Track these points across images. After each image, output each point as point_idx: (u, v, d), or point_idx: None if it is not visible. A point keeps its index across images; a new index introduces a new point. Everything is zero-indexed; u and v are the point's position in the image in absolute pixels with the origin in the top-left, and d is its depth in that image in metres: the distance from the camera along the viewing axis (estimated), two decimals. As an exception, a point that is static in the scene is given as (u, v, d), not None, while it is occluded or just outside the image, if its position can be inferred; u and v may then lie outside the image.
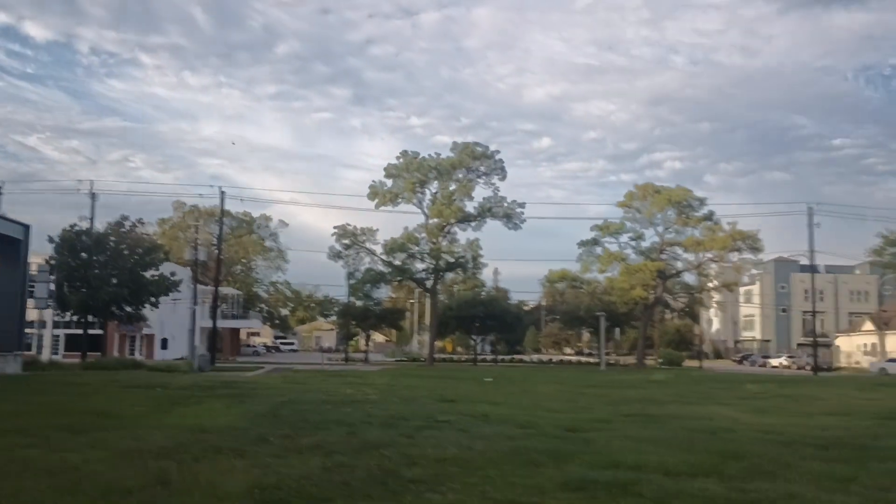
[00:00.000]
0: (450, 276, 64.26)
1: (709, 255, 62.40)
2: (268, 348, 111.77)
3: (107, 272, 48.56)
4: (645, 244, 67.21)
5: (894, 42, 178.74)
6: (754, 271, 64.49)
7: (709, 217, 64.86)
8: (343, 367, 55.84)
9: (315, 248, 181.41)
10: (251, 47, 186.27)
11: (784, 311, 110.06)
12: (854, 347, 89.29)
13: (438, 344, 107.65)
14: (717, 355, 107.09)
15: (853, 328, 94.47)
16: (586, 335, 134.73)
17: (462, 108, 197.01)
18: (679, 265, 66.80)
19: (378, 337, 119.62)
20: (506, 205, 62.25)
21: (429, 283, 65.53)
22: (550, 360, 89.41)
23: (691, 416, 20.02)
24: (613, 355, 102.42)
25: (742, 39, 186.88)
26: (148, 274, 51.22)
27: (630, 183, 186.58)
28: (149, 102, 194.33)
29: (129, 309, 50.18)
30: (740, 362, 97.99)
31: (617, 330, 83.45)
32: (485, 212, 63.18)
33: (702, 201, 65.22)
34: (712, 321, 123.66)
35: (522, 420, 17.31)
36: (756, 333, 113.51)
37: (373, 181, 64.51)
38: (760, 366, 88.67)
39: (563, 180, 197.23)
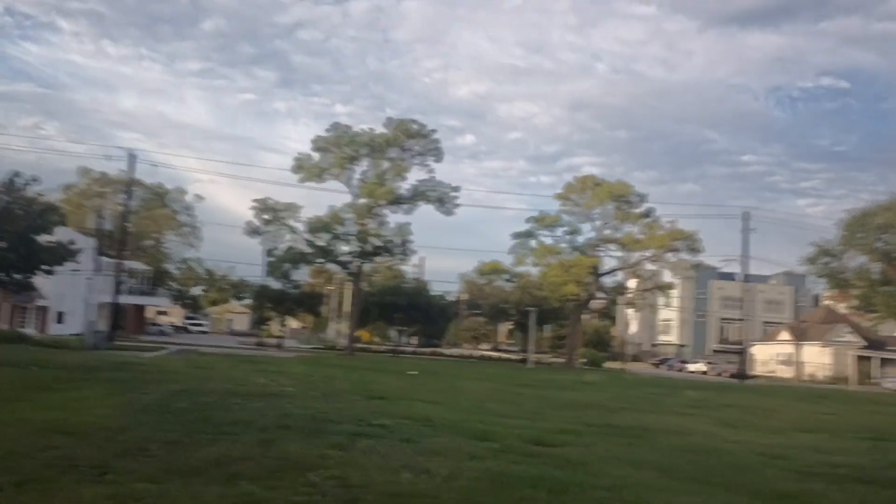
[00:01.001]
0: (377, 260, 60.05)
1: (646, 253, 60.53)
2: (176, 328, 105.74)
3: (-7, 234, 43.23)
4: (580, 239, 65.28)
5: (803, 66, 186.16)
6: (690, 274, 62.83)
7: (647, 214, 63.04)
8: (255, 353, 51.82)
9: (230, 224, 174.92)
10: (175, 21, 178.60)
11: (701, 316, 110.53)
12: (769, 356, 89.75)
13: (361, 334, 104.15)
14: (634, 358, 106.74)
15: (770, 337, 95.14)
16: (504, 330, 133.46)
17: (387, 99, 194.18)
18: (613, 263, 64.86)
19: (292, 323, 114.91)
20: (440, 189, 58.91)
21: (353, 268, 61.22)
22: (472, 354, 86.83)
23: (663, 428, 17.39)
24: (534, 353, 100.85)
25: (663, 52, 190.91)
26: (42, 239, 45.98)
27: (549, 185, 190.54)
28: (64, 69, 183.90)
29: (17, 276, 44.95)
30: (658, 366, 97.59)
31: (548, 326, 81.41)
32: (418, 195, 59.63)
33: (642, 197, 63.36)
34: (629, 324, 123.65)
35: (475, 428, 14.29)
36: (673, 338, 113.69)
37: (298, 153, 60.54)
38: (677, 370, 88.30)
39: (484, 178, 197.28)
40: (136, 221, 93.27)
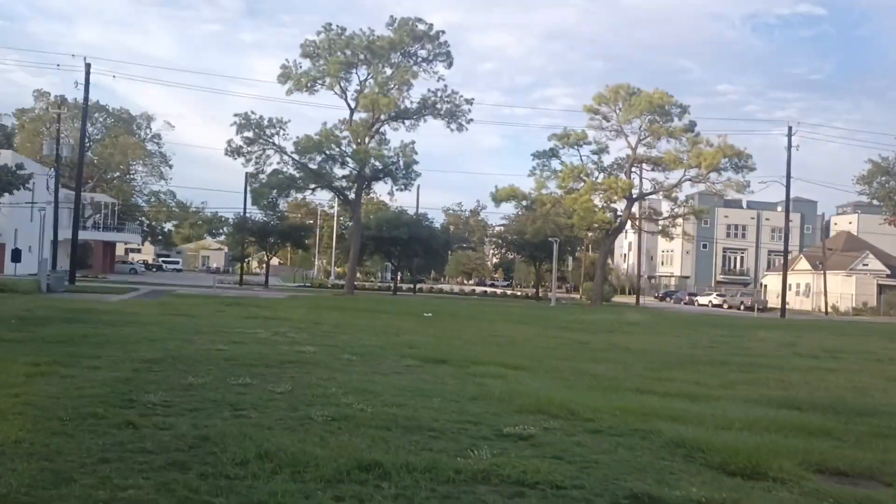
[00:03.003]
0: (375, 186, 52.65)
1: (690, 173, 54.03)
2: (147, 266, 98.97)
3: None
4: (608, 159, 58.05)
5: None
6: (738, 196, 56.26)
7: (690, 128, 54.98)
8: (239, 293, 45.54)
9: (200, 161, 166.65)
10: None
11: (705, 246, 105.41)
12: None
13: (338, 269, 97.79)
14: (633, 291, 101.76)
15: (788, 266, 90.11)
16: (489, 265, 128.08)
17: (358, 29, 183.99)
18: (647, 185, 57.87)
19: (272, 259, 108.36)
20: (453, 100, 51.46)
21: (350, 194, 53.89)
22: (473, 290, 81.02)
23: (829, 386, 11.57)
24: (528, 288, 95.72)
25: None
26: (-17, 164, 38.96)
27: (524, 116, 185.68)
28: (23, 0, 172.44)
29: (-47, 208, 38.03)
30: (662, 299, 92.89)
31: (570, 259, 75.41)
32: (427, 107, 51.69)
33: (683, 109, 55.27)
34: (626, 255, 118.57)
35: (638, 423, 8.32)
36: (674, 269, 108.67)
37: (285, 60, 52.57)
38: (686, 303, 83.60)
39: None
40: (101, 151, 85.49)
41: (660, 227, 59.85)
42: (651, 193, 57.33)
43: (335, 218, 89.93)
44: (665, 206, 60.20)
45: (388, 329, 23.18)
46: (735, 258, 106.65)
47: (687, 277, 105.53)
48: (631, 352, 19.92)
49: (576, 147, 55.31)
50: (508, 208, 62.73)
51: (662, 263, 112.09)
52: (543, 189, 54.88)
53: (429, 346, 17.40)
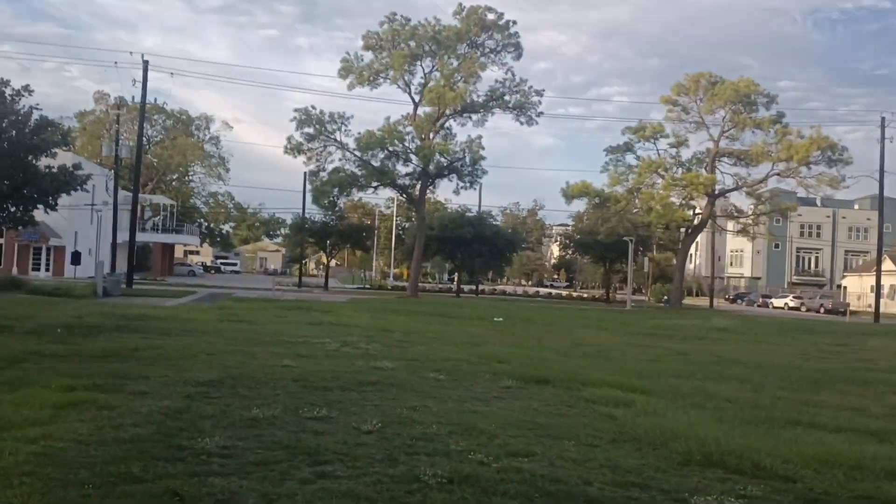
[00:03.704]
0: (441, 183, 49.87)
1: (778, 167, 50.37)
2: (206, 268, 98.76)
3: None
4: (685, 153, 53.87)
5: None
6: (832, 192, 52.05)
7: (778, 119, 50.72)
8: (299, 296, 43.94)
9: (257, 164, 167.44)
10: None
11: (777, 246, 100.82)
12: (864, 288, 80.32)
13: (396, 271, 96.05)
14: (700, 293, 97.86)
15: (864, 267, 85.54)
16: (548, 266, 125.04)
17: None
18: (728, 181, 53.62)
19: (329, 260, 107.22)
20: (523, 89, 47.75)
21: (414, 192, 50.80)
22: (537, 292, 78.44)
23: None
24: (593, 290, 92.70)
25: None
26: (42, 165, 37.80)
27: (578, 116, 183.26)
28: (86, 9, 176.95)
29: (11, 209, 36.99)
30: (733, 301, 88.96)
31: (646, 260, 72.13)
32: (494, 99, 48.26)
33: (771, 99, 51.11)
34: (692, 255, 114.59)
35: (854, 483, 6.04)
36: (744, 270, 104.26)
37: (346, 54, 50.17)
38: (759, 306, 79.77)
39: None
40: (160, 152, 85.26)
41: (741, 226, 56.21)
42: (733, 189, 53.54)
43: (393, 218, 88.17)
44: (745, 203, 56.60)
45: (464, 337, 21.09)
46: (809, 258, 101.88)
47: (758, 279, 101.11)
48: (744, 365, 17.45)
49: (652, 140, 52.00)
50: (574, 206, 59.99)
51: (731, 264, 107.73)
52: (618, 185, 51.88)
53: (519, 360, 15.25)
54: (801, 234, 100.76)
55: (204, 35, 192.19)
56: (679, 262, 58.32)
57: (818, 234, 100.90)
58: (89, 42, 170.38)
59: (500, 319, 31.92)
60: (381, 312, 30.91)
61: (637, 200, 52.43)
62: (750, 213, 54.91)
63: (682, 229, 55.71)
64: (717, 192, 54.14)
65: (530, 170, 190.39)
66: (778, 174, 50.65)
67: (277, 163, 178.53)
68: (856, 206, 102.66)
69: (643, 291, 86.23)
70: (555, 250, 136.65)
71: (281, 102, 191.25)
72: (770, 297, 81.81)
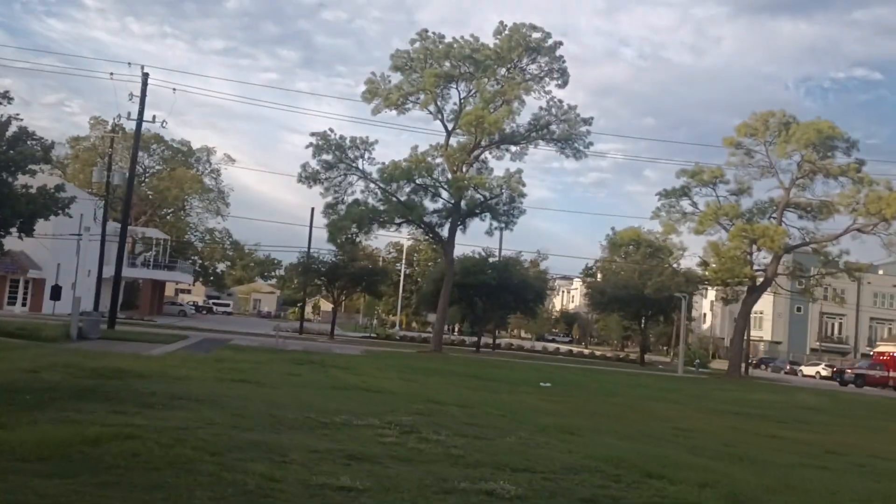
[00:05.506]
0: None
1: (858, 221, 45.17)
2: (198, 308, 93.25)
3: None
4: (747, 201, 49.11)
5: (836, 56, 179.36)
6: None
7: (858, 168, 44.95)
8: (304, 344, 38.72)
9: (254, 204, 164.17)
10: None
11: (799, 310, 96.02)
12: (896, 357, 75.30)
13: (392, 318, 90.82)
14: (716, 355, 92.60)
15: (893, 336, 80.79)
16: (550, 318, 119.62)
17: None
18: (796, 234, 47.87)
19: (325, 304, 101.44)
20: (570, 117, 42.43)
21: (443, 232, 44.74)
22: (545, 348, 72.84)
23: None
24: (629, 351, 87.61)
25: (691, 38, 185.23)
26: (18, 184, 32.87)
27: (573, 171, 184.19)
28: (88, 46, 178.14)
29: (-18, 234, 31.98)
30: (756, 367, 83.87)
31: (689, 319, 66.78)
32: (538, 129, 43.07)
33: (852, 144, 45.58)
34: (705, 315, 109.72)
35: None
36: (764, 333, 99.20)
37: (371, 73, 45.56)
38: (787, 373, 74.93)
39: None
40: (156, 184, 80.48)
41: (802, 286, 51.04)
42: (804, 244, 48.12)
43: (402, 260, 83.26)
44: (804, 260, 51.04)
45: (539, 416, 16.05)
46: (833, 324, 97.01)
47: (779, 343, 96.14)
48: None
49: (710, 186, 47.15)
50: (584, 256, 55.06)
51: (752, 326, 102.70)
52: (672, 233, 46.86)
53: (638, 457, 10.22)
54: (826, 297, 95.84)
55: (205, 75, 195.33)
56: (739, 324, 52.39)
57: (843, 299, 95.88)
58: (90, 79, 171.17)
59: (548, 385, 27.10)
60: (409, 372, 25.87)
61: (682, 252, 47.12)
62: (815, 271, 49.84)
63: (744, 287, 50.28)
64: (786, 246, 48.79)
65: (531, 218, 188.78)
66: (859, 229, 45.50)
67: (275, 205, 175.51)
68: (880, 272, 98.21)
69: (667, 353, 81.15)
70: (557, 303, 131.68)
71: (279, 144, 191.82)
72: (799, 365, 76.83)
